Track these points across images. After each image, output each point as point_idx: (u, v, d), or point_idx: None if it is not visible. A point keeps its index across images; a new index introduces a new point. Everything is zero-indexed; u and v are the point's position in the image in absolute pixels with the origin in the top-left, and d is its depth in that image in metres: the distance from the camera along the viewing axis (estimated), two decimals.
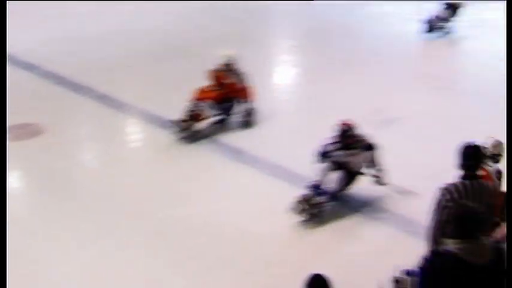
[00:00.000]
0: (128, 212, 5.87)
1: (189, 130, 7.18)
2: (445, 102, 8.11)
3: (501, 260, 3.31)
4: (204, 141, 7.16)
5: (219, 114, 7.44)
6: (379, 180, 5.98)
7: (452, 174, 3.97)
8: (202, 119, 7.29)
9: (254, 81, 7.40)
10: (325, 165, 5.83)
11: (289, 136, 7.32)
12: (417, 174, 6.18)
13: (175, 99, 7.45)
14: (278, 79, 9.25)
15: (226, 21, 10.76)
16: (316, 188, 5.77)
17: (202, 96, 7.24)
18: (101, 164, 7.02)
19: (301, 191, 5.66)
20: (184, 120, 7.17)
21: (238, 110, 7.41)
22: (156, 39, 10.13)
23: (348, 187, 5.97)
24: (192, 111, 7.18)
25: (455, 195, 3.83)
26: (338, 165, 5.87)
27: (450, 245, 3.21)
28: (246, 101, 7.40)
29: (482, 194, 3.90)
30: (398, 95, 8.32)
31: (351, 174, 5.97)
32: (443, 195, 3.87)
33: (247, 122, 7.47)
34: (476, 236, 3.21)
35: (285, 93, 8.89)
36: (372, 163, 5.96)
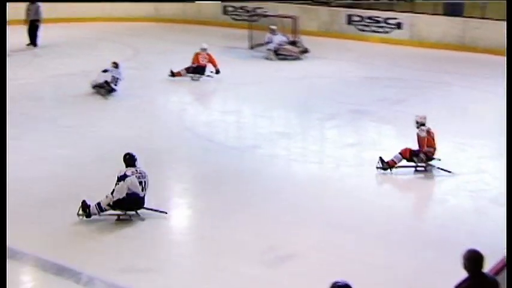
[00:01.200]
0: None
1: None
2: (338, 238, 8.48)
3: None
4: None
5: None
6: None
7: None
8: None
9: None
10: None
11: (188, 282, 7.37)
12: None
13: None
14: (172, 222, 9.35)
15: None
16: None
17: None
18: None
19: None
20: None
21: None
22: (52, 186, 10.04)
23: None
24: None
25: None
26: None
27: None
28: None
29: None
30: (293, 231, 8.63)
31: None
32: None
33: None
34: None
35: (179, 234, 9.00)
36: None
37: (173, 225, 9.24)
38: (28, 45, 20.12)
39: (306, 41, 19.92)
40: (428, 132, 10.62)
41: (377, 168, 10.66)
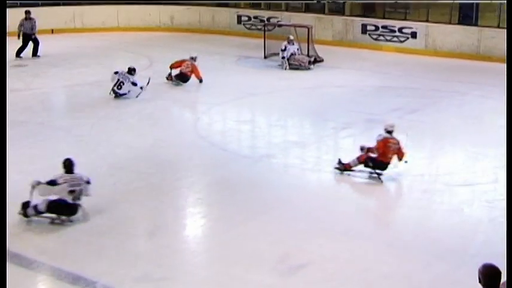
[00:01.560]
0: None
1: None
2: (352, 247, 8.47)
3: None
4: None
5: None
6: None
7: None
8: None
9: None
10: None
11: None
12: None
13: None
14: (186, 231, 9.36)
15: (134, 175, 10.93)
16: None
17: None
18: None
19: None
20: None
21: None
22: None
23: None
24: None
25: None
26: None
27: None
28: None
29: None
30: (306, 240, 8.61)
31: None
32: None
33: None
34: None
35: (193, 243, 9.01)
36: None
37: (187, 234, 9.25)
38: (17, 57, 20.30)
39: (320, 50, 19.94)
40: (386, 140, 10.56)
41: (334, 168, 10.90)
